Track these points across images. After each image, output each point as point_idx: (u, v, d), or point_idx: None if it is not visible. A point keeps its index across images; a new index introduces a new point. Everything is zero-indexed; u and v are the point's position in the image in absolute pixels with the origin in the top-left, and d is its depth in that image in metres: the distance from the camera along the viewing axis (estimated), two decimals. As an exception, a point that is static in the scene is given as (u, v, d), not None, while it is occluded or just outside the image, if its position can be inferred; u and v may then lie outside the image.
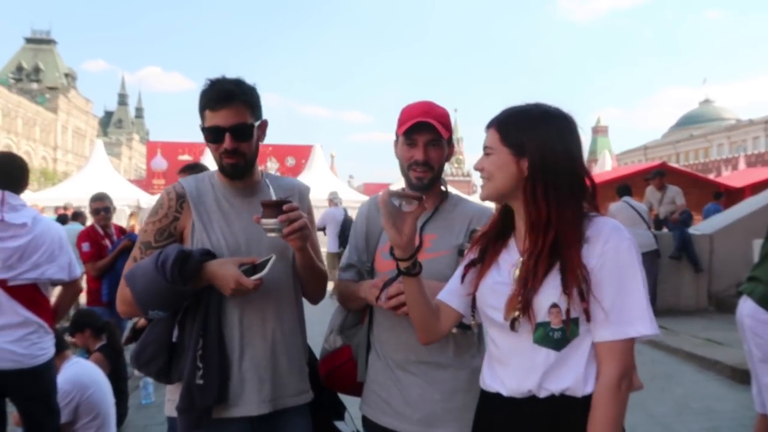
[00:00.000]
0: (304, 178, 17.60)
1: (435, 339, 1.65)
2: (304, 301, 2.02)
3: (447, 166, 2.05)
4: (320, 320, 2.27)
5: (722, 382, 5.52)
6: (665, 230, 9.01)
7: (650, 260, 7.79)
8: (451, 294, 1.58)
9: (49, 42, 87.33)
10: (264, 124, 1.91)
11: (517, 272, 1.43)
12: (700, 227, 9.32)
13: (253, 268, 1.71)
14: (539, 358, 1.39)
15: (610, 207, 8.40)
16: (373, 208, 2.01)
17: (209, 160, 1.94)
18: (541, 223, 1.39)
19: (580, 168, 1.42)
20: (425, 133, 1.84)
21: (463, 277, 1.56)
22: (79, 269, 3.15)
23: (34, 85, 78.80)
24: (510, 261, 1.47)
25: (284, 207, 1.65)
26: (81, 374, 3.56)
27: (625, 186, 8.79)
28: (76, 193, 14.71)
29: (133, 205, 16.91)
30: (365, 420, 1.97)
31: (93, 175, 18.42)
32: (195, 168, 3.47)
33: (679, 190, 9.41)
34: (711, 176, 22.15)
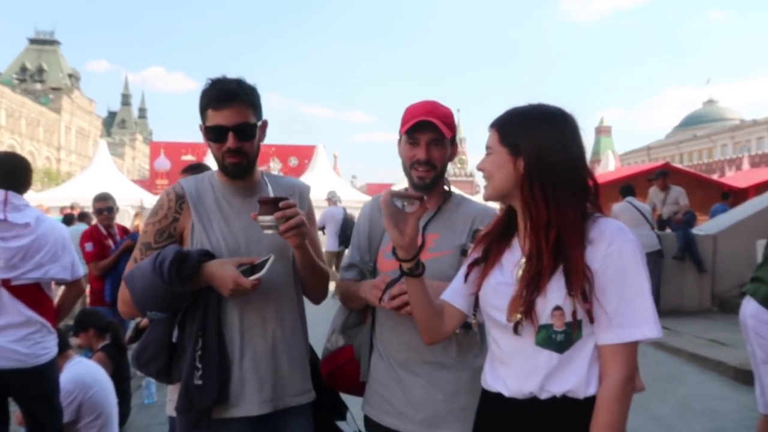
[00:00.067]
0: (306, 178, 17.66)
1: (439, 339, 1.65)
2: (307, 302, 2.02)
3: (450, 166, 2.05)
4: (322, 320, 2.27)
5: (725, 383, 5.50)
6: (668, 231, 8.98)
7: (653, 261, 7.78)
8: (455, 294, 1.58)
9: (53, 42, 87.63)
10: (265, 125, 1.91)
11: (520, 272, 1.42)
12: (704, 228, 9.29)
13: (251, 269, 1.71)
14: (541, 360, 1.39)
15: (614, 207, 8.38)
16: (376, 209, 2.01)
17: (212, 161, 1.94)
18: (541, 223, 1.38)
19: (580, 168, 1.41)
20: (428, 133, 1.84)
21: (467, 276, 1.55)
22: (82, 269, 3.16)
23: (38, 86, 79.09)
24: (513, 261, 1.47)
25: (281, 204, 1.65)
26: (84, 374, 3.56)
27: (628, 186, 8.77)
28: (80, 194, 14.72)
29: (136, 205, 16.92)
30: (367, 420, 1.96)
31: (96, 175, 18.45)
32: (198, 168, 3.46)
33: (683, 191, 9.39)
34: (715, 177, 22.11)
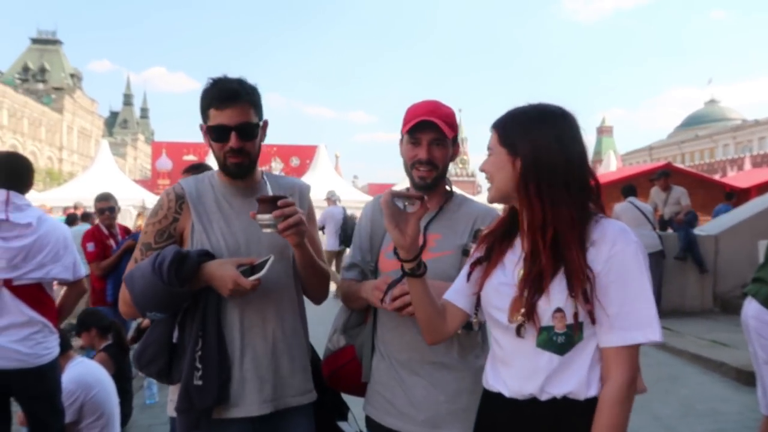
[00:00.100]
0: (308, 178, 17.68)
1: (441, 339, 1.65)
2: (309, 303, 2.02)
3: (451, 167, 2.05)
4: (324, 320, 2.27)
5: (727, 383, 5.49)
6: (670, 231, 8.97)
7: (655, 261, 7.76)
8: (458, 293, 1.58)
9: (55, 42, 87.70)
10: (265, 124, 1.91)
11: (521, 272, 1.42)
12: (705, 228, 9.28)
13: (251, 269, 1.71)
14: (542, 361, 1.39)
15: (615, 207, 8.37)
16: (377, 209, 2.00)
17: (213, 161, 1.94)
18: (537, 223, 1.38)
19: (579, 168, 1.40)
20: (429, 132, 1.84)
21: (469, 275, 1.55)
22: (83, 269, 3.16)
23: (40, 86, 79.16)
24: (515, 261, 1.47)
25: (279, 202, 1.64)
26: (85, 374, 3.56)
27: (630, 186, 8.76)
28: (82, 194, 14.74)
29: (138, 205, 16.95)
30: (369, 420, 1.96)
31: (98, 175, 18.49)
32: (199, 168, 3.46)
33: (684, 191, 9.37)
34: (716, 177, 22.07)
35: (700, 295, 8.54)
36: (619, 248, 1.35)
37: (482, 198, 15.33)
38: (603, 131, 74.54)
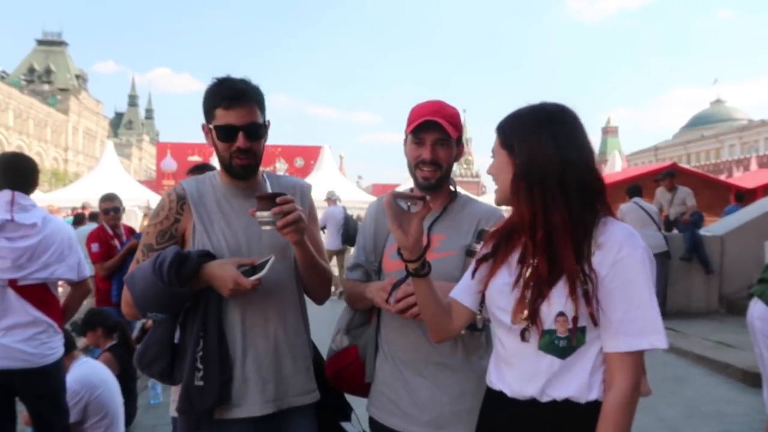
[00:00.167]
0: (312, 178, 17.70)
1: (447, 337, 1.65)
2: (313, 303, 2.01)
3: (456, 167, 2.05)
4: (328, 321, 2.27)
5: (733, 385, 5.47)
6: (676, 231, 8.94)
7: (660, 262, 7.73)
8: (463, 292, 1.58)
9: (60, 44, 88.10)
10: (268, 125, 1.91)
11: (527, 273, 1.41)
12: (711, 228, 9.24)
13: (252, 269, 1.70)
14: (543, 364, 1.38)
15: (620, 208, 8.34)
16: (381, 209, 2.00)
17: (218, 162, 1.94)
18: (525, 224, 1.39)
19: (579, 168, 1.38)
20: (433, 132, 1.83)
21: (474, 272, 1.55)
22: (88, 269, 3.17)
23: (46, 87, 79.53)
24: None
25: (278, 200, 1.64)
26: (90, 374, 3.58)
27: (635, 187, 8.72)
28: (87, 194, 14.81)
29: (143, 205, 17.00)
30: (372, 421, 1.96)
31: (103, 175, 18.56)
32: (203, 168, 3.46)
33: (690, 191, 9.33)
34: (722, 177, 21.99)
35: (705, 296, 8.50)
36: (625, 253, 1.34)
37: (486, 198, 15.31)
38: (608, 131, 74.47)
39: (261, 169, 1.95)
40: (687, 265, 8.38)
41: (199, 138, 1.92)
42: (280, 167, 25.65)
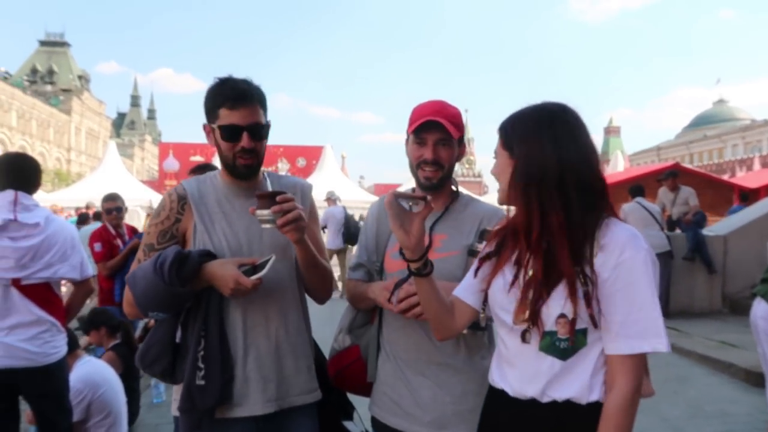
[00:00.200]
0: (314, 178, 17.70)
1: (450, 335, 1.65)
2: (314, 303, 2.02)
3: (458, 167, 2.05)
4: (331, 321, 2.27)
5: (736, 385, 5.46)
6: (678, 231, 8.93)
7: (663, 261, 7.72)
8: (467, 290, 1.58)
9: (63, 44, 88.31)
10: (269, 125, 1.91)
11: (530, 273, 1.41)
12: (714, 228, 9.22)
13: (253, 269, 1.70)
14: (544, 365, 1.38)
15: (623, 208, 8.32)
16: (383, 209, 2.00)
17: (219, 161, 1.94)
18: (521, 225, 1.39)
19: (579, 169, 1.37)
20: (435, 132, 1.83)
21: (477, 270, 1.55)
22: (91, 269, 3.17)
23: (48, 87, 79.73)
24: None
25: (278, 198, 1.64)
26: (93, 373, 3.58)
27: (638, 186, 8.71)
28: (90, 194, 14.85)
29: (145, 205, 17.03)
30: (375, 421, 1.96)
31: (106, 175, 18.61)
32: (205, 168, 3.47)
33: (693, 191, 9.31)
34: (725, 177, 21.94)
35: (708, 295, 8.49)
36: (627, 255, 1.33)
37: (488, 198, 15.30)
38: (610, 131, 74.36)
39: (262, 168, 1.95)
40: (690, 265, 8.37)
41: (202, 138, 1.92)
42: (282, 167, 25.69)
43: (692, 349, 6.37)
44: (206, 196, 1.86)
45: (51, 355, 2.86)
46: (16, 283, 2.78)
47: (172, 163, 25.72)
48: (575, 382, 1.37)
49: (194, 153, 25.39)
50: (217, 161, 2.04)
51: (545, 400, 1.39)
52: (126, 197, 5.96)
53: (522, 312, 1.38)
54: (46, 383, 2.90)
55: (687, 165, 24.46)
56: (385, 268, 1.95)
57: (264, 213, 1.64)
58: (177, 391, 1.86)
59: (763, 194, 14.46)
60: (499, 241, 1.52)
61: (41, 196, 15.08)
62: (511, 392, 1.45)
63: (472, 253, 1.81)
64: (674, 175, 9.54)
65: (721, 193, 14.46)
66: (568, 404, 1.38)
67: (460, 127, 1.87)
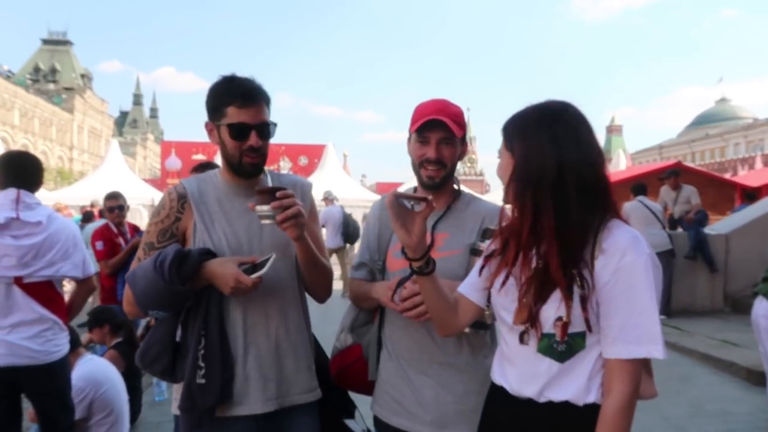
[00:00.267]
0: (316, 177, 17.69)
1: (454, 333, 1.66)
2: (316, 302, 2.02)
3: (460, 165, 2.04)
4: (333, 320, 2.27)
5: (738, 384, 5.46)
6: (680, 230, 8.91)
7: (665, 260, 7.70)
8: (471, 288, 1.58)
9: (66, 43, 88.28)
10: (275, 125, 1.91)
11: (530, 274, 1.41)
12: (716, 227, 9.21)
13: (253, 267, 1.70)
14: (542, 367, 1.38)
15: (625, 206, 8.31)
16: (385, 208, 2.00)
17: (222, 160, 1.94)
18: (515, 226, 1.39)
19: (579, 169, 1.35)
20: (438, 131, 1.83)
21: (482, 268, 1.55)
22: (93, 267, 3.18)
23: (51, 86, 79.71)
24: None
25: (278, 194, 1.63)
26: (95, 371, 3.59)
27: (640, 185, 8.69)
28: (92, 192, 14.86)
29: (147, 204, 17.06)
30: (376, 420, 1.96)
31: (108, 174, 18.62)
32: (207, 167, 3.48)
33: (695, 190, 9.30)
34: (727, 176, 21.87)
35: (710, 294, 8.48)
36: (628, 260, 1.31)
37: (491, 197, 15.29)
38: (612, 130, 74.17)
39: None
40: (691, 264, 8.36)
41: (204, 137, 1.92)
42: (284, 166, 25.69)
43: (694, 348, 6.37)
44: (206, 195, 1.86)
45: (53, 354, 2.87)
46: (18, 281, 2.78)
47: (175, 162, 25.70)
48: (572, 385, 1.37)
49: (196, 151, 25.40)
50: (219, 160, 2.04)
51: (542, 400, 1.39)
52: (128, 196, 5.97)
53: (522, 313, 1.38)
54: (49, 381, 2.90)
55: (689, 164, 24.41)
56: (388, 267, 1.95)
57: (264, 209, 1.64)
58: (177, 390, 1.86)
59: (765, 193, 14.41)
60: (503, 239, 1.52)
61: (43, 195, 15.11)
62: (510, 390, 1.46)
63: (474, 251, 1.81)
64: (676, 174, 9.53)
65: (723, 192, 14.42)
66: (565, 405, 1.38)
67: (462, 125, 1.87)
